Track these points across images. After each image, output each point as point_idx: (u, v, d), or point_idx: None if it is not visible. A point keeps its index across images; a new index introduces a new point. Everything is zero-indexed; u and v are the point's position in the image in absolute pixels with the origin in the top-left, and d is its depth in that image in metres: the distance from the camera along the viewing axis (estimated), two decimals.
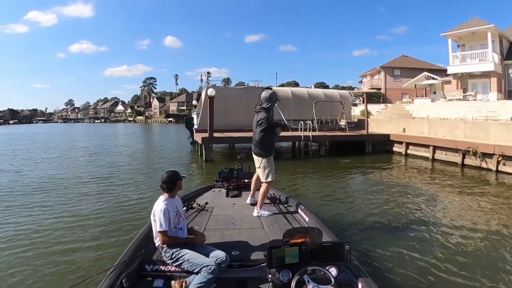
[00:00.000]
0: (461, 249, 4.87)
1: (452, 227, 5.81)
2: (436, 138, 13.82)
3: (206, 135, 13.77)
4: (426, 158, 13.84)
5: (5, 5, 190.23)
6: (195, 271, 2.69)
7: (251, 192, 4.86)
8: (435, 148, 13.52)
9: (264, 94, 4.54)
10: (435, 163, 13.22)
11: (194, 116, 19.58)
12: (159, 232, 2.85)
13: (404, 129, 16.42)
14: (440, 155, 13.36)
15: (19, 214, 6.43)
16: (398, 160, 14.57)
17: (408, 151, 15.05)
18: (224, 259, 2.78)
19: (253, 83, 20.26)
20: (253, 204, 4.64)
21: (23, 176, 10.71)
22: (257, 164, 4.64)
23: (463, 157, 12.16)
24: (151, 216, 2.97)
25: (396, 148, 15.90)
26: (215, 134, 13.90)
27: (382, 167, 12.79)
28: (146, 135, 37.62)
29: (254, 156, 4.66)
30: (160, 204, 2.93)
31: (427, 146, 13.92)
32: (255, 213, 4.38)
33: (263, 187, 4.53)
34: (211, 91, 13.78)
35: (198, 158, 15.17)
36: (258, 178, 4.75)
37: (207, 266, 2.65)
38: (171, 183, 3.02)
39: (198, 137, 14.97)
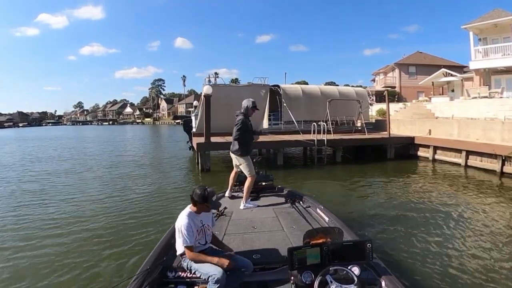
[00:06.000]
0: (488, 253, 4.73)
1: (482, 233, 5.61)
2: (470, 142, 12.15)
3: (202, 140, 12.11)
4: (457, 165, 12.22)
5: (15, 8, 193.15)
6: (206, 280, 2.70)
7: (229, 187, 5.35)
8: (468, 153, 11.88)
9: (245, 102, 5.16)
10: (468, 170, 11.61)
11: (193, 118, 17.63)
12: (185, 247, 2.87)
13: (430, 130, 14.75)
14: (474, 161, 11.73)
15: (40, 225, 6.43)
16: (425, 166, 12.96)
17: (436, 156, 13.42)
18: (248, 267, 2.81)
19: (259, 80, 17.96)
20: (239, 197, 5.09)
21: (38, 188, 10.21)
22: (236, 162, 5.21)
23: (503, 164, 10.56)
24: (176, 226, 2.96)
25: (422, 152, 14.24)
26: (214, 139, 12.21)
27: (407, 174, 11.39)
28: (149, 139, 36.88)
29: (233, 156, 5.20)
30: (183, 219, 2.90)
31: (458, 151, 12.27)
32: (241, 206, 4.79)
33: (248, 182, 4.97)
34: (207, 89, 12.03)
35: (196, 166, 13.42)
36: (235, 174, 5.35)
37: (211, 276, 2.65)
38: (199, 201, 2.94)
39: (195, 142, 13.23)
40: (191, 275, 2.87)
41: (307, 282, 2.42)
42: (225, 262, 2.77)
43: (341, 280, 2.37)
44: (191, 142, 15.76)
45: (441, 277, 4.01)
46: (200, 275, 2.77)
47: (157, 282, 2.82)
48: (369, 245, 2.59)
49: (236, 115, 5.16)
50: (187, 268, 2.89)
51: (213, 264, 2.77)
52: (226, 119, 13.67)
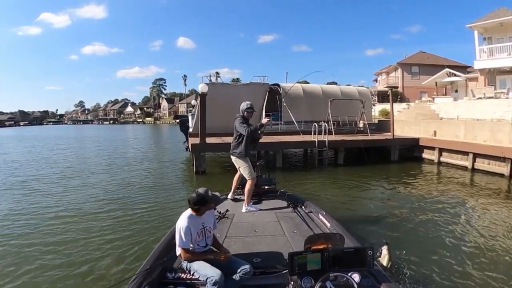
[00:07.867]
0: (495, 262, 4.59)
1: (489, 241, 5.37)
2: (477, 144, 11.71)
3: (197, 140, 11.60)
4: (463, 168, 11.76)
5: (17, 7, 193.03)
6: (204, 281, 2.70)
7: (232, 189, 5.36)
8: (475, 155, 11.42)
9: (242, 105, 5.18)
10: (475, 173, 11.16)
11: (190, 117, 16.98)
12: (180, 247, 2.88)
13: (435, 132, 14.29)
14: (481, 164, 11.28)
15: (41, 225, 6.46)
16: (430, 169, 12.49)
17: (442, 159, 12.94)
18: (248, 270, 2.79)
19: (259, 78, 17.48)
20: (242, 200, 5.02)
21: (41, 188, 10.17)
22: (237, 165, 5.18)
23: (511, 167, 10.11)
24: (176, 226, 2.96)
25: (427, 154, 13.77)
26: (211, 140, 11.75)
27: (411, 178, 10.95)
28: (148, 140, 36.52)
29: (233, 158, 5.20)
30: (183, 220, 2.91)
31: (465, 153, 11.81)
32: (243, 210, 4.80)
33: (248, 184, 4.95)
34: (202, 87, 11.54)
35: (191, 168, 12.82)
36: (239, 177, 5.29)
37: (209, 278, 2.66)
38: (197, 205, 2.94)
39: (190, 142, 12.71)
40: (190, 276, 2.86)
41: None
42: (221, 256, 2.87)
43: (341, 287, 2.40)
44: (188, 143, 15.30)
45: (441, 283, 3.92)
46: (199, 277, 2.76)
47: (157, 282, 2.81)
48: (370, 252, 2.58)
49: (236, 118, 5.22)
50: (187, 269, 2.88)
51: (209, 259, 2.84)
52: (224, 119, 13.09)
